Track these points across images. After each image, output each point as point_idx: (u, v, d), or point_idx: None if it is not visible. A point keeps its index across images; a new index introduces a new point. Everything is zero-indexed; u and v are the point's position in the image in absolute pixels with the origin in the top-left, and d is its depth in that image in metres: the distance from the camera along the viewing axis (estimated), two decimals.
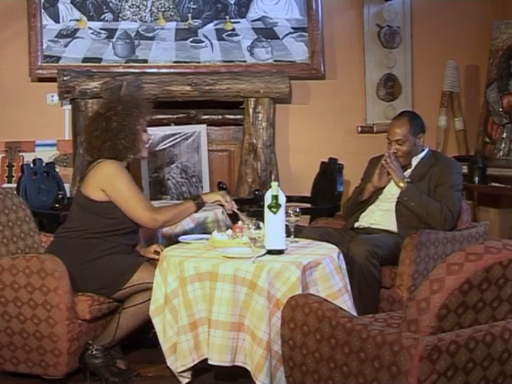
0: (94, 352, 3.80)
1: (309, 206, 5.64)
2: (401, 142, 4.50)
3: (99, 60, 5.87)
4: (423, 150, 4.59)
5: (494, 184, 5.81)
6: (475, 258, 2.74)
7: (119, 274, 3.83)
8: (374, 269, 4.14)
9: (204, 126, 5.93)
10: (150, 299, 3.72)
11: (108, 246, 3.90)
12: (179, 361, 3.55)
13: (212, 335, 3.45)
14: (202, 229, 4.53)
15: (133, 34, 5.94)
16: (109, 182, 3.90)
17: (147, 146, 4.12)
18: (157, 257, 3.94)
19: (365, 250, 4.13)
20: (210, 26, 6.01)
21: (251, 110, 5.89)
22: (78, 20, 5.87)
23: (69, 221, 4.04)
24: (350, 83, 6.16)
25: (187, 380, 3.64)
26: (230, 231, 3.94)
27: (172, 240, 4.36)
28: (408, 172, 4.57)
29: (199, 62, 5.97)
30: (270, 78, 5.90)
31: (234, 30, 6.02)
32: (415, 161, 4.58)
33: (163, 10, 5.97)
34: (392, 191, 4.55)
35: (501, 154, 5.92)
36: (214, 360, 3.48)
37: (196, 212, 4.01)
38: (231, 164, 6.07)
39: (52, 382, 3.79)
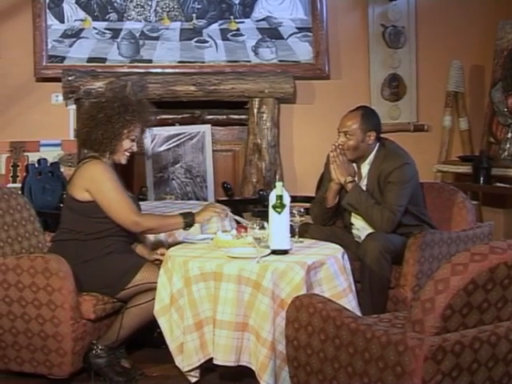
0: (99, 352, 3.80)
1: None
2: (348, 135, 4.29)
3: (104, 60, 5.88)
4: (374, 149, 4.35)
5: (498, 184, 5.79)
6: (480, 259, 2.74)
7: (122, 273, 3.82)
8: (385, 263, 4.09)
9: (208, 126, 5.93)
10: (153, 299, 3.71)
11: (105, 244, 3.88)
12: (185, 360, 3.55)
13: (217, 335, 3.45)
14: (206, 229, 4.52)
15: (137, 34, 5.94)
16: (94, 184, 3.85)
17: (127, 154, 3.97)
18: (162, 257, 3.94)
19: (379, 243, 4.09)
20: (215, 26, 6.01)
21: (256, 110, 5.89)
22: (82, 20, 5.88)
23: (62, 224, 4.00)
24: (354, 83, 6.15)
25: (195, 379, 3.63)
26: (234, 231, 3.94)
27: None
28: (363, 185, 4.35)
29: (204, 62, 5.97)
30: (274, 78, 5.90)
31: (238, 30, 6.02)
32: (365, 169, 4.37)
33: (168, 10, 5.98)
34: None
35: (505, 154, 5.91)
36: (219, 360, 3.48)
37: (184, 229, 3.94)
38: (236, 164, 6.07)
39: (56, 381, 3.79)
